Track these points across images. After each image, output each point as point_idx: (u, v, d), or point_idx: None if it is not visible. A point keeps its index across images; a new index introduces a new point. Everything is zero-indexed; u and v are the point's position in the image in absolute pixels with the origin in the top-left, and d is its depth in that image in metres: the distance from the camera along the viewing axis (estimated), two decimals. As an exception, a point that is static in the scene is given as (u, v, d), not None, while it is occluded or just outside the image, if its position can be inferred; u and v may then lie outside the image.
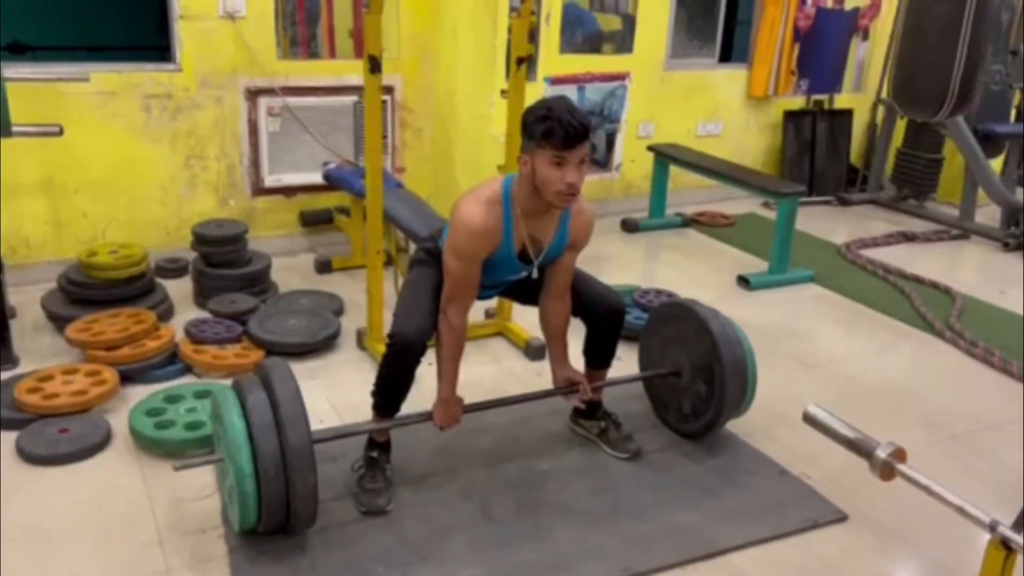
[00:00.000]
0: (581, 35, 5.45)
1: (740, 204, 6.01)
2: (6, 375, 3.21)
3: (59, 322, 3.54)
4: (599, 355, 2.87)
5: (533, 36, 3.98)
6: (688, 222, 5.68)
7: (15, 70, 3.34)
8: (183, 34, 4.20)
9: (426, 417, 2.63)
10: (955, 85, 5.20)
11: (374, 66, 3.15)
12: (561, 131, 2.28)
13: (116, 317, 3.45)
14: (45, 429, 2.84)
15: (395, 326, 2.52)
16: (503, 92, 3.79)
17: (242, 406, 2.27)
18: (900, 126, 6.30)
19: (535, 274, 2.63)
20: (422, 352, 2.51)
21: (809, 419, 1.83)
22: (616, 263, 4.83)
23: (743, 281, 4.59)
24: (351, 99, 4.61)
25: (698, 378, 2.90)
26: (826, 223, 5.84)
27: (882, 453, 1.68)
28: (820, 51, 6.26)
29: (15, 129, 3.27)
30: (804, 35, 6.17)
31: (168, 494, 2.60)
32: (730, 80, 6.11)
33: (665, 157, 5.48)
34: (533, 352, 3.59)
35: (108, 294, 3.61)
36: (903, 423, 3.21)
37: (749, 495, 2.74)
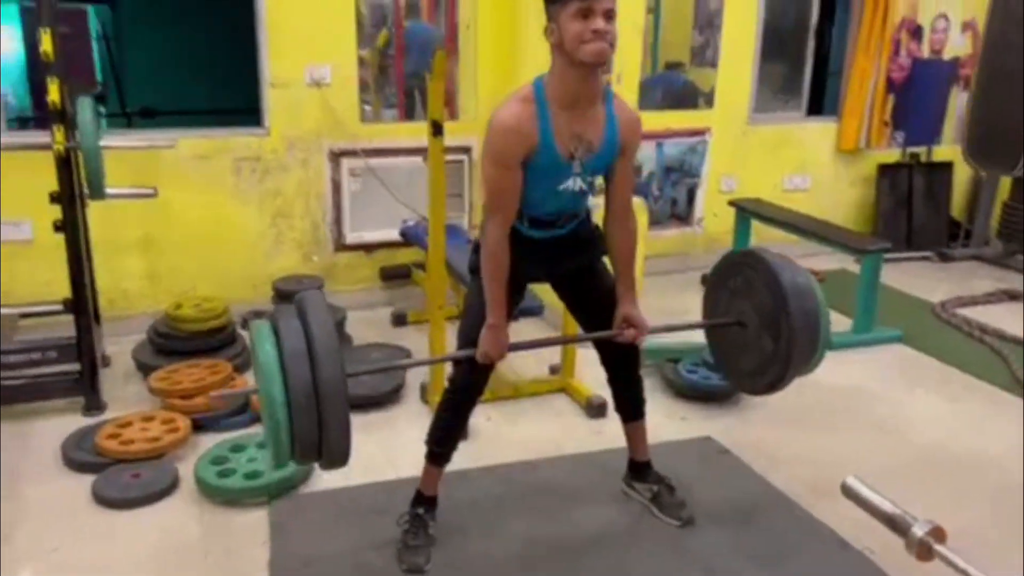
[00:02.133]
0: (661, 92, 5.48)
1: (831, 259, 5.77)
2: (93, 421, 3.43)
3: (146, 371, 3.75)
4: (626, 403, 2.80)
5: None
6: (773, 278, 5.51)
7: (113, 139, 3.65)
8: (272, 101, 4.47)
9: (471, 353, 2.46)
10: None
11: (436, 130, 3.25)
12: None
13: (194, 367, 3.64)
14: (120, 474, 3.00)
15: (457, 377, 2.56)
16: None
17: (276, 336, 2.15)
18: (1006, 178, 5.99)
19: (581, 185, 2.43)
20: (480, 395, 2.56)
21: (846, 491, 1.74)
22: (696, 319, 4.73)
23: (824, 340, 4.41)
24: (430, 159, 4.77)
25: (764, 332, 2.64)
26: (923, 280, 5.56)
27: (919, 531, 1.57)
28: (917, 102, 6.05)
29: (111, 191, 3.53)
30: (899, 86, 5.99)
31: (222, 542, 2.70)
32: (819, 133, 5.98)
33: (747, 212, 5.39)
34: (594, 411, 3.55)
35: (191, 345, 3.82)
36: (980, 498, 2.99)
37: (806, 568, 2.61)
